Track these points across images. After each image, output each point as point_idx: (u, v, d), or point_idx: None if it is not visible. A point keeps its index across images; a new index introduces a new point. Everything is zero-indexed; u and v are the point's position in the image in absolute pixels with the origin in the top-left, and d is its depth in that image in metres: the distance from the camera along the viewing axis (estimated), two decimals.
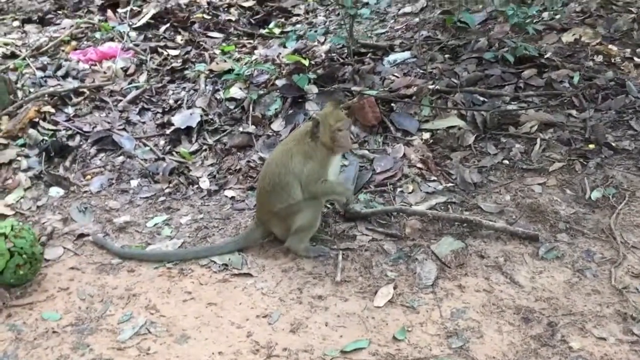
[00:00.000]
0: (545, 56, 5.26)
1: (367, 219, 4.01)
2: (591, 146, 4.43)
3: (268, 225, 3.85)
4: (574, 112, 4.76)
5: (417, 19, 6.24)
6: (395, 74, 5.31)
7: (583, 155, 4.37)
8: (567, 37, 5.52)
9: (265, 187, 3.76)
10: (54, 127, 5.00)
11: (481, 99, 4.97)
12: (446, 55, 5.54)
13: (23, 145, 4.80)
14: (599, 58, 5.26)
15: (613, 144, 4.43)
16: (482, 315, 3.23)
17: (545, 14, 5.81)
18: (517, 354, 2.96)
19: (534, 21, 5.47)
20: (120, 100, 5.43)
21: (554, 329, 3.10)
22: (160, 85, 5.65)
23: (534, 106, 4.82)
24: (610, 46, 5.37)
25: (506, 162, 4.43)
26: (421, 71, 5.33)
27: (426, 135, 4.73)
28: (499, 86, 5.08)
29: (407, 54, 5.60)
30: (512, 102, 4.91)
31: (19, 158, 4.67)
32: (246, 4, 7.25)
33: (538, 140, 4.51)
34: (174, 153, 4.90)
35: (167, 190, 4.50)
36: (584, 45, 5.41)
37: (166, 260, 3.75)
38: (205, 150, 4.88)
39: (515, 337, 3.07)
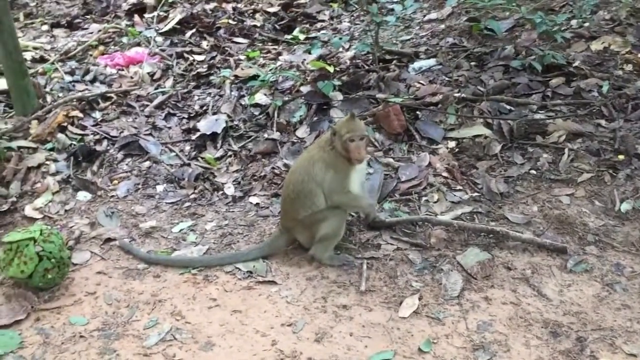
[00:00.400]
0: (574, 64, 5.18)
1: (392, 228, 3.99)
2: (621, 157, 4.35)
3: (292, 232, 3.85)
4: (603, 122, 4.68)
5: (442, 26, 6.20)
6: (421, 82, 5.28)
7: (612, 166, 4.30)
8: (596, 45, 5.43)
9: (290, 195, 3.76)
10: (82, 132, 5.07)
11: (508, 107, 4.92)
12: (472, 63, 5.49)
13: (52, 149, 4.87)
14: (629, 67, 5.17)
15: None
16: (509, 328, 3.19)
17: (573, 22, 5.73)
18: None
19: (562, 29, 5.41)
20: (147, 106, 5.48)
21: (583, 344, 3.06)
22: (185, 90, 5.70)
23: (562, 115, 4.75)
24: None
25: (533, 172, 4.37)
26: (447, 79, 5.30)
27: (452, 144, 4.69)
28: (526, 95, 5.02)
29: (432, 61, 5.57)
30: (540, 111, 4.84)
31: (47, 162, 4.73)
32: (271, 10, 7.28)
33: (566, 151, 4.45)
34: (199, 159, 4.93)
35: (192, 196, 4.53)
36: (614, 54, 5.32)
37: (191, 267, 3.77)
38: (230, 156, 4.91)
39: (544, 352, 3.03)
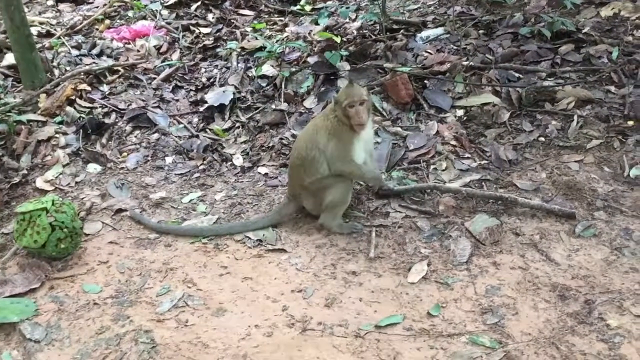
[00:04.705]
0: (583, 31, 5.13)
1: (401, 196, 4.00)
2: (630, 123, 4.33)
3: (299, 199, 3.88)
4: (612, 88, 4.65)
5: None
6: (429, 51, 5.25)
7: (622, 132, 4.28)
8: (605, 11, 5.37)
9: (295, 162, 3.80)
10: (90, 105, 5.09)
11: (516, 75, 4.89)
12: (480, 31, 5.45)
13: (61, 122, 4.89)
14: (639, 33, 5.11)
15: None
16: (517, 292, 3.22)
17: None
18: (553, 331, 2.95)
19: None
20: (154, 78, 5.49)
21: (591, 306, 3.08)
22: (192, 63, 5.70)
23: (571, 82, 4.72)
24: None
25: (542, 139, 4.36)
26: (455, 47, 5.26)
27: (460, 112, 4.68)
28: (534, 62, 4.98)
29: (440, 30, 5.53)
30: (549, 78, 4.81)
31: (57, 135, 4.76)
32: None
33: (575, 117, 4.43)
34: (207, 130, 4.95)
35: (201, 167, 4.55)
36: (624, 20, 5.26)
37: (202, 236, 3.81)
38: (238, 127, 4.92)
39: (552, 315, 3.05)
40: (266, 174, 4.42)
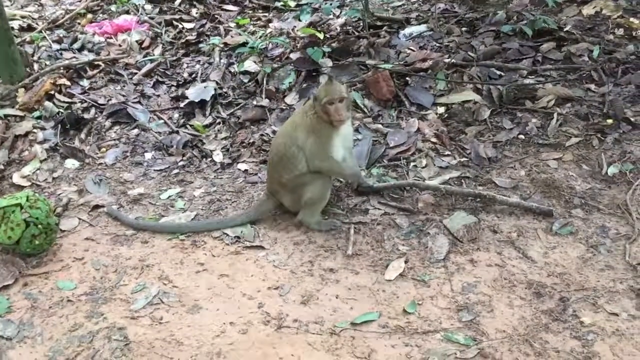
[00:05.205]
0: (565, 29, 5.16)
1: (380, 193, 3.99)
2: (609, 121, 4.35)
3: (278, 196, 3.86)
4: (592, 86, 4.67)
5: None
6: (411, 48, 5.25)
7: (601, 131, 4.30)
8: (587, 10, 5.40)
9: (273, 158, 3.78)
10: (69, 100, 5.03)
11: (498, 72, 4.90)
12: (463, 29, 5.46)
13: (39, 117, 4.83)
14: (620, 31, 5.15)
15: (632, 119, 4.34)
16: (493, 289, 3.22)
17: None
18: (527, 328, 2.95)
19: None
20: (135, 74, 5.43)
21: (566, 304, 3.08)
22: (174, 58, 5.65)
23: (552, 80, 4.74)
24: (631, 19, 5.26)
25: (522, 136, 4.37)
26: (437, 45, 5.26)
27: (441, 110, 4.68)
28: (516, 60, 4.99)
29: (423, 27, 5.53)
30: (530, 76, 4.83)
31: (35, 130, 4.70)
32: None
33: (555, 115, 4.44)
34: (187, 126, 4.91)
35: (180, 163, 4.52)
36: (605, 18, 5.29)
37: (179, 232, 3.78)
38: (219, 123, 4.89)
39: (526, 312, 3.06)
40: (246, 170, 4.40)
